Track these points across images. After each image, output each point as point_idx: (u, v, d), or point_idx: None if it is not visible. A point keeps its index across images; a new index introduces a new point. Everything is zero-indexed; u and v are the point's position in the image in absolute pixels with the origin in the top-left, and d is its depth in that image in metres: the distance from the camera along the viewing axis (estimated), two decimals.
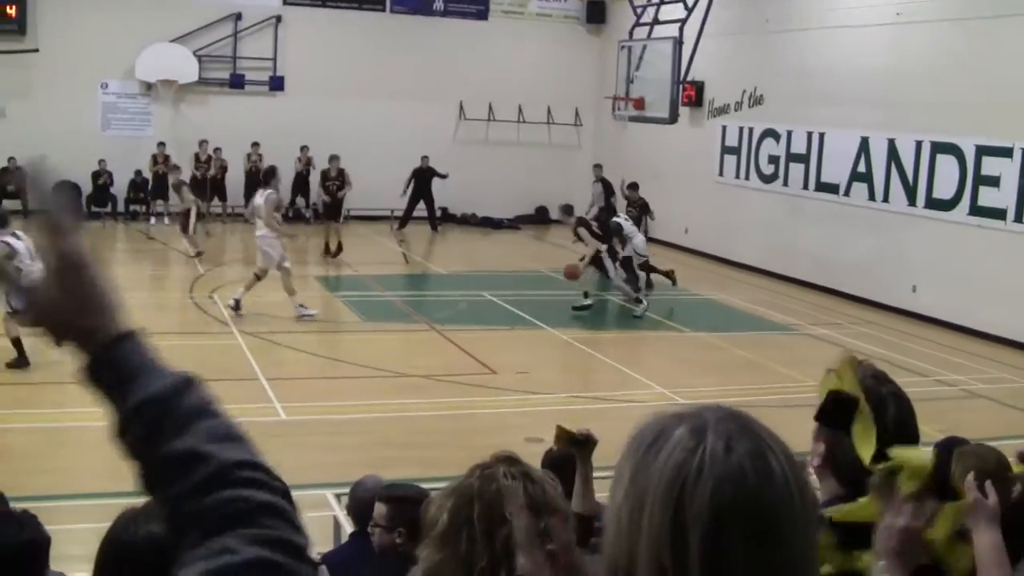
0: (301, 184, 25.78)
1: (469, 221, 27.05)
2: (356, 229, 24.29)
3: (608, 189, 22.73)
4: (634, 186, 20.87)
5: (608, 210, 20.78)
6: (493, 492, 2.33)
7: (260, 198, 15.57)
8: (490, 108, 27.66)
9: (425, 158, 25.18)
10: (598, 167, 23.88)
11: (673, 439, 1.26)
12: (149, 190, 25.45)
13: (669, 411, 1.33)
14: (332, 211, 21.93)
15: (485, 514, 2.30)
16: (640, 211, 20.37)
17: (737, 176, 22.77)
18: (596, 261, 16.90)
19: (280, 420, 10.43)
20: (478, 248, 24.45)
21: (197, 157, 25.45)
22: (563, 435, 4.17)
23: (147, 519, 2.50)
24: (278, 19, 26.63)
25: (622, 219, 17.89)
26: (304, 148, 25.37)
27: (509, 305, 16.92)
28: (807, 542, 1.28)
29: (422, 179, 25.08)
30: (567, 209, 17.85)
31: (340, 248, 21.00)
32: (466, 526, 2.29)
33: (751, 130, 22.20)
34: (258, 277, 15.14)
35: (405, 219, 25.13)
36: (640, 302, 16.65)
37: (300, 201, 25.95)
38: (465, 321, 15.71)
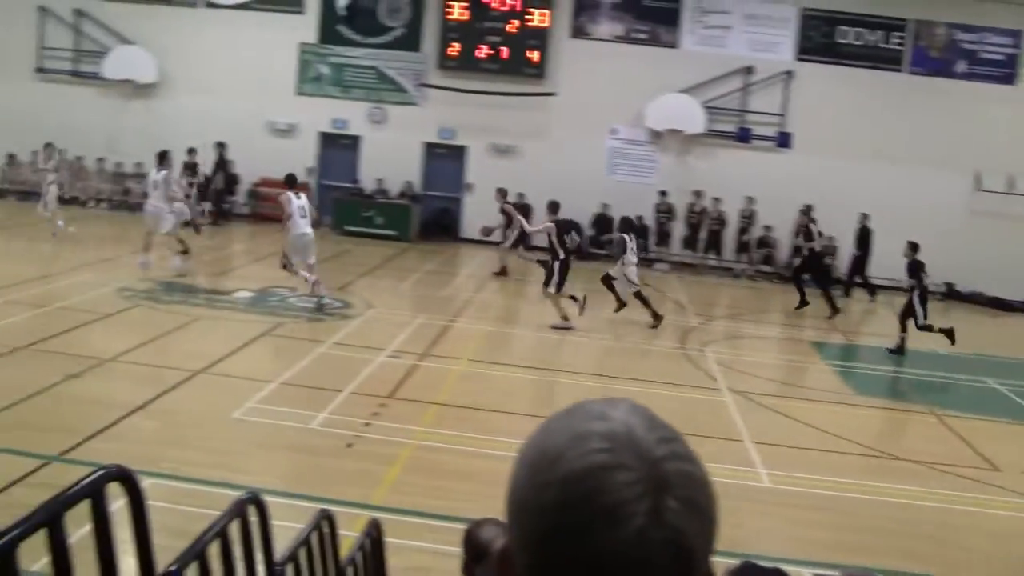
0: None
1: (976, 300, 25.05)
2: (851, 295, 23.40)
3: None
4: None
5: None
6: None
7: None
8: (1010, 179, 25.45)
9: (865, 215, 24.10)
10: None
11: None
12: (648, 236, 25.85)
13: None
14: (824, 275, 21.30)
15: None
16: None
17: None
18: None
19: (762, 486, 9.85)
20: (984, 330, 22.50)
21: (691, 208, 25.65)
22: None
23: None
24: (789, 74, 26.21)
25: None
26: (808, 207, 24.79)
27: (1017, 396, 15.29)
28: None
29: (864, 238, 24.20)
30: None
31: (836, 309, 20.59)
32: None
33: None
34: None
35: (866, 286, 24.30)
36: None
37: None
38: (966, 408, 14.31)
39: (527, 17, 26.69)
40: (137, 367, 12.01)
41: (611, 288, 17.78)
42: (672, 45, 26.61)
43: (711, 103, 26.26)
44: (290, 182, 17.31)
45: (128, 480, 2.53)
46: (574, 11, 26.89)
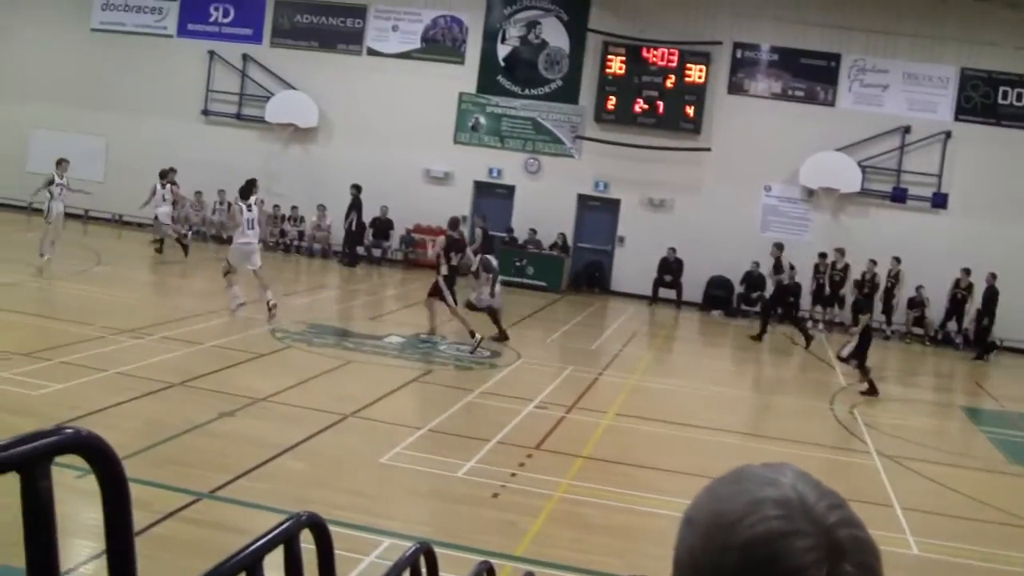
0: (957, 307, 24.45)
1: None
2: (1003, 360, 22.47)
3: None
4: None
5: None
6: None
7: None
8: None
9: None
10: None
11: None
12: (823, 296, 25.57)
13: None
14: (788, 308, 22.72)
15: None
16: None
17: None
18: None
19: (911, 554, 9.50)
20: None
21: (833, 265, 25.30)
22: None
23: None
24: (947, 135, 25.63)
25: None
26: (966, 271, 24.06)
27: None
28: None
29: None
30: None
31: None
32: None
33: None
34: None
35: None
36: None
37: (952, 325, 24.63)
38: None
39: (685, 73, 26.71)
40: (288, 408, 12.29)
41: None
42: (829, 103, 26.27)
43: (867, 162, 25.80)
44: (244, 194, 18.30)
45: (319, 527, 2.70)
46: (732, 68, 26.81)
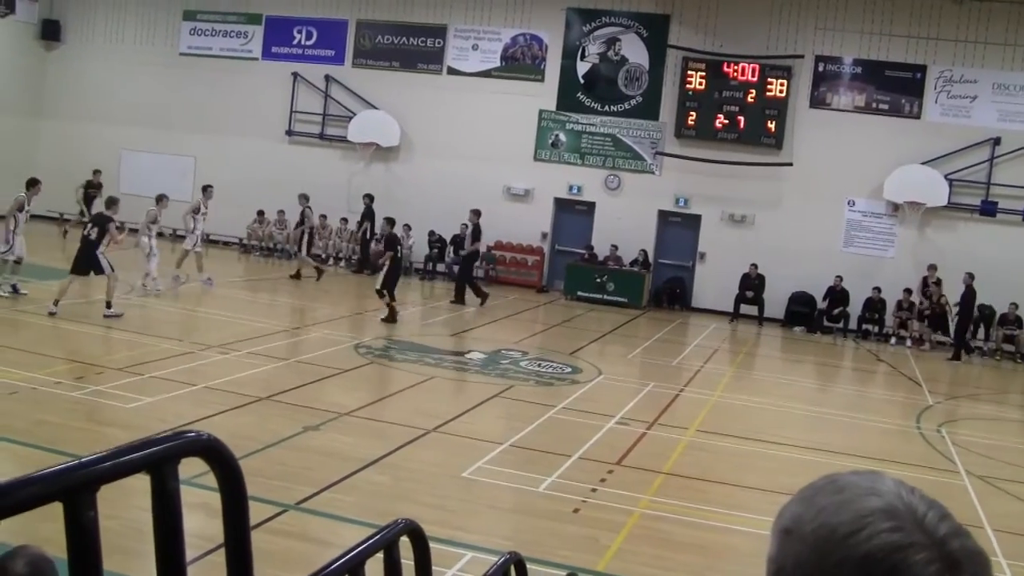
0: None
1: None
2: None
3: None
4: None
5: None
6: None
7: None
8: None
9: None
10: None
11: None
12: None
13: None
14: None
15: None
16: None
17: None
18: None
19: None
20: None
21: (925, 281, 24.75)
22: None
23: None
24: None
25: None
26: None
27: None
28: None
29: None
30: None
31: None
32: None
33: None
34: None
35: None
36: None
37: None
38: None
39: (766, 87, 26.55)
40: (371, 422, 12.46)
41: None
42: (915, 115, 25.90)
43: (954, 175, 25.34)
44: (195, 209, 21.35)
45: (416, 534, 2.79)
46: (814, 81, 26.57)
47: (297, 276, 25.10)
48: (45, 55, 32.93)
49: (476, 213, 24.47)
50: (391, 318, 19.98)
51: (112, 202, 18.64)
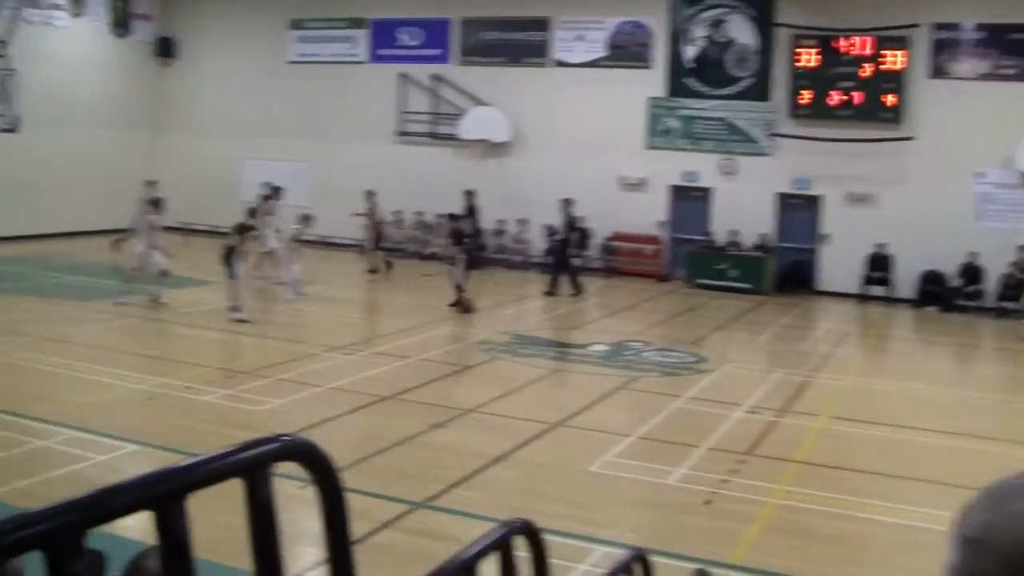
0: None
1: None
2: None
3: None
4: None
5: None
6: None
7: None
8: None
9: None
10: None
11: None
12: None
13: None
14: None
15: None
16: None
17: None
18: None
19: None
20: None
21: None
22: None
23: None
24: None
25: None
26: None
27: None
28: None
29: None
30: None
31: None
32: None
33: None
34: None
35: None
36: None
37: None
38: None
39: (881, 60, 25.70)
40: (496, 418, 12.38)
41: None
42: None
43: None
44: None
45: (532, 534, 2.71)
46: (933, 50, 25.59)
47: (374, 271, 25.28)
48: (162, 71, 33.74)
49: (567, 202, 24.75)
50: (467, 309, 20.20)
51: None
